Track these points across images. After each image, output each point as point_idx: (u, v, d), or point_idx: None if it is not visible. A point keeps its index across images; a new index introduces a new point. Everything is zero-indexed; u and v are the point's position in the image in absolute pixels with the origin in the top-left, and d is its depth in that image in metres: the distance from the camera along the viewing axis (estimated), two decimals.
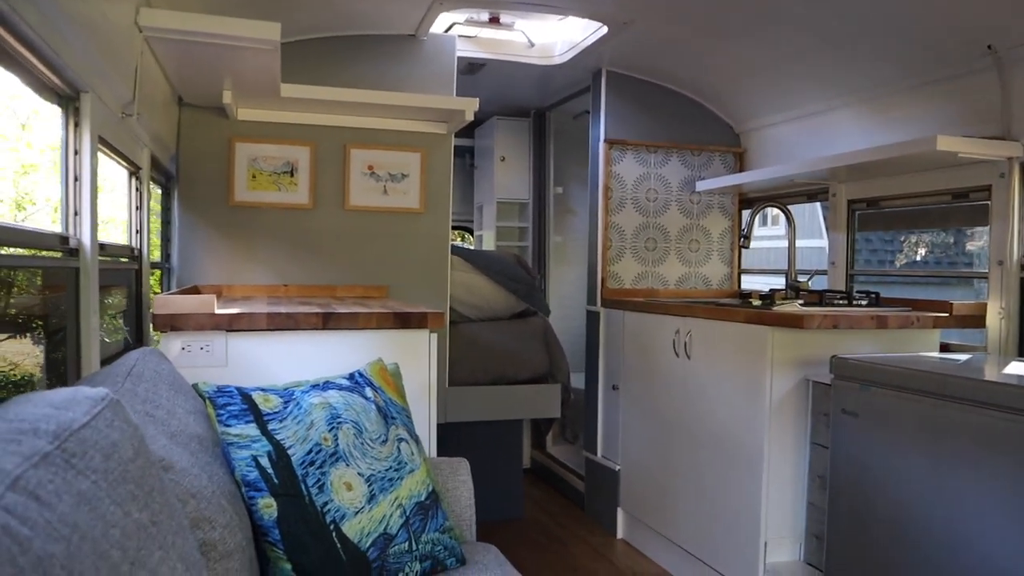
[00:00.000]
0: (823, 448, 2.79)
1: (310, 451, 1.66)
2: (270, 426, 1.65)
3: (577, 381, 4.56)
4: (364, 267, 3.64)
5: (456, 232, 6.32)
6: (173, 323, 2.29)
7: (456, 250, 3.86)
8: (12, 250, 1.79)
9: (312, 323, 2.39)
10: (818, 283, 3.88)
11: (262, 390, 1.74)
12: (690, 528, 3.33)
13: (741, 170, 4.26)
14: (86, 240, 2.03)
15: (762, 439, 2.89)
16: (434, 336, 2.54)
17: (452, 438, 3.87)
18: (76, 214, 2.02)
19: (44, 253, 1.89)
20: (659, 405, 3.59)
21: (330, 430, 1.72)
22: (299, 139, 3.52)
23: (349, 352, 2.44)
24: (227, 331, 2.34)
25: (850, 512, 2.57)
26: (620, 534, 3.95)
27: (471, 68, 4.22)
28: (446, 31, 3.82)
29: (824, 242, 3.77)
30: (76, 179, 2.01)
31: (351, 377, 1.96)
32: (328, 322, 2.40)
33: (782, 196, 4.04)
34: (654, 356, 3.62)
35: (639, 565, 3.59)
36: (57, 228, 2.00)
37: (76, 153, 2.00)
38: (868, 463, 2.49)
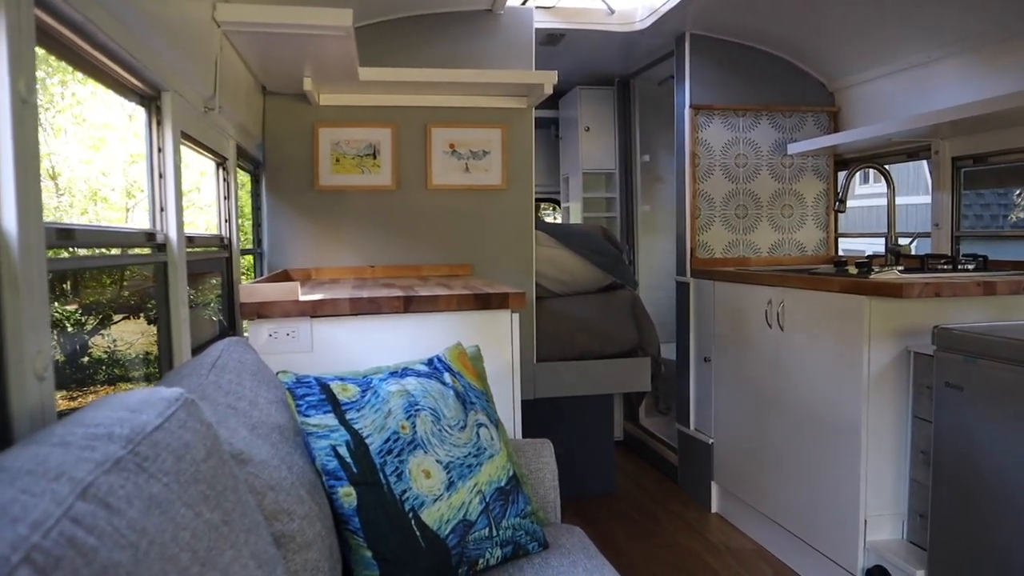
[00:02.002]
0: (926, 422, 2.65)
1: (388, 439, 1.68)
2: (348, 415, 1.67)
3: (668, 352, 4.49)
4: (448, 246, 3.66)
5: (546, 203, 6.29)
6: (260, 311, 2.35)
7: (540, 225, 3.83)
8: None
9: (394, 307, 2.42)
10: (922, 246, 3.67)
11: (340, 379, 1.77)
12: (786, 504, 3.24)
13: (836, 130, 4.06)
14: (172, 235, 2.10)
15: (859, 413, 2.77)
16: (516, 316, 2.53)
17: (542, 413, 3.89)
18: (162, 210, 2.09)
19: (135, 250, 1.97)
20: (752, 377, 3.49)
21: (408, 418, 1.73)
22: (380, 121, 3.55)
23: (431, 334, 2.47)
24: (312, 317, 2.40)
25: (955, 490, 2.44)
26: (714, 508, 3.89)
27: (551, 39, 4.14)
28: (523, 3, 3.76)
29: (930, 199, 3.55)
30: (161, 176, 2.07)
31: (430, 363, 1.97)
32: (409, 306, 2.43)
33: (880, 156, 3.83)
34: (746, 327, 3.52)
35: (734, 540, 3.53)
36: (147, 224, 2.08)
37: (160, 151, 2.06)
38: (974, 439, 2.35)
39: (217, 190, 2.94)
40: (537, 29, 3.89)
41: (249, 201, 3.69)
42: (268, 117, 3.48)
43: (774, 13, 3.65)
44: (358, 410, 1.70)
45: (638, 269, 5.10)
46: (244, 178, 3.88)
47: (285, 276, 3.46)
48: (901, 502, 2.81)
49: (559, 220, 5.68)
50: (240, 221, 5.07)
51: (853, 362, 2.80)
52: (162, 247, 2.08)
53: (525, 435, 3.84)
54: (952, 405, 2.44)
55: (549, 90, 3.36)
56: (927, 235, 3.61)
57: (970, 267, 3.04)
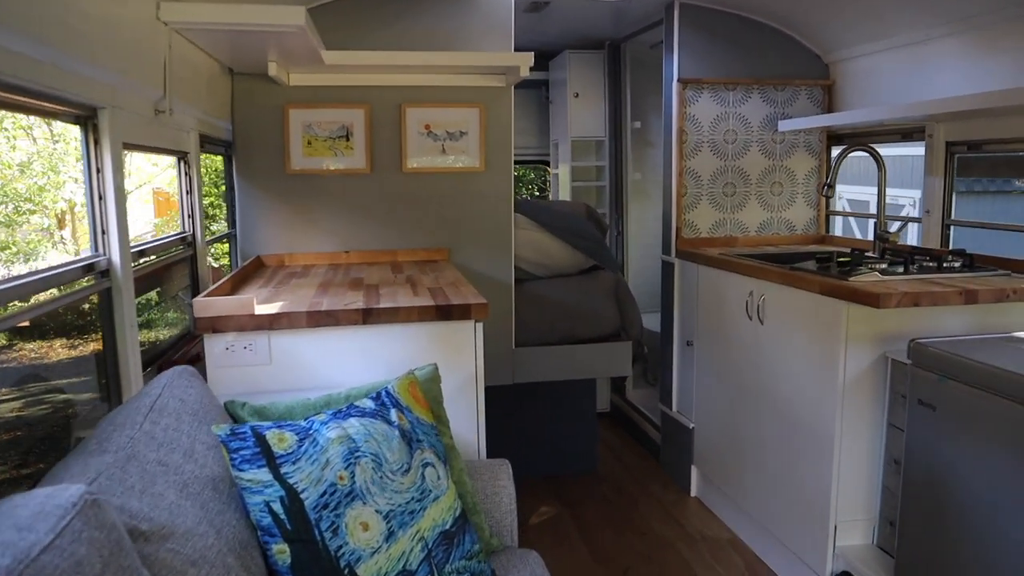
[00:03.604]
0: (900, 431, 2.60)
1: (324, 493, 1.63)
2: (283, 469, 1.63)
3: (657, 324, 4.42)
4: (425, 230, 3.58)
5: (538, 165, 6.16)
6: (214, 326, 2.30)
7: (520, 207, 3.72)
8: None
9: (352, 320, 2.36)
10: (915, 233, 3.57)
11: (279, 427, 1.72)
12: (761, 498, 3.23)
13: (830, 104, 3.90)
14: (116, 257, 2.03)
15: (833, 418, 2.72)
16: (479, 326, 2.46)
17: (523, 391, 3.86)
18: (104, 232, 2.01)
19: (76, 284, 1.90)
20: (731, 367, 3.44)
21: (347, 467, 1.69)
22: (353, 102, 3.43)
23: (391, 346, 2.41)
24: (269, 330, 2.34)
25: (923, 506, 2.41)
26: (694, 491, 3.88)
27: (535, 6, 3.97)
28: None
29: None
30: (101, 197, 2.00)
31: (377, 397, 1.91)
32: (368, 318, 2.36)
33: (875, 134, 3.69)
34: (727, 315, 3.45)
35: (710, 528, 3.53)
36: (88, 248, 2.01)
37: (99, 171, 1.98)
38: (944, 460, 2.31)
39: (179, 185, 2.86)
40: None
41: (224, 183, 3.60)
42: (236, 99, 3.36)
43: None
44: (294, 462, 1.65)
45: (627, 239, 5.00)
46: (218, 160, 3.79)
47: (258, 263, 3.40)
48: (873, 507, 2.78)
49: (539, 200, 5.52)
50: (218, 202, 4.99)
51: (829, 366, 2.74)
52: (105, 272, 2.02)
53: (505, 415, 3.86)
54: (924, 423, 2.39)
55: (526, 72, 3.23)
56: (918, 220, 3.51)
57: (956, 264, 2.95)
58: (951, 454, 2.28)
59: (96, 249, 2.01)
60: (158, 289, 2.94)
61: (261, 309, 2.36)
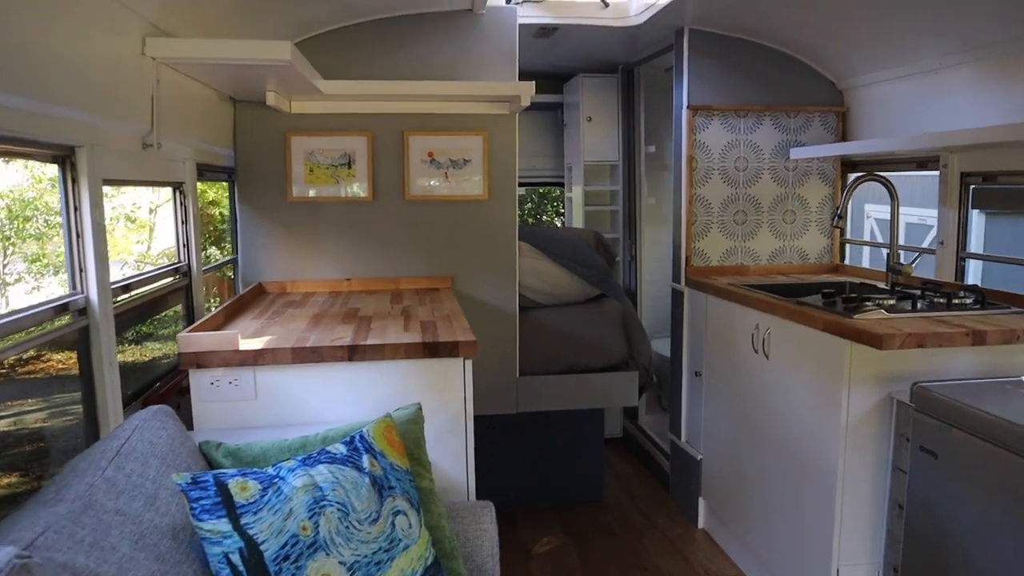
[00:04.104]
0: (905, 474, 2.50)
1: (285, 544, 1.60)
2: (243, 520, 1.60)
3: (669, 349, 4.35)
4: (428, 258, 3.55)
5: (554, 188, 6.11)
6: (198, 361, 2.28)
7: (524, 235, 3.68)
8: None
9: (338, 356, 2.33)
10: (927, 265, 3.46)
11: (243, 475, 1.69)
12: (765, 536, 3.14)
13: (844, 131, 3.81)
14: (94, 295, 2.02)
15: (836, 460, 2.64)
16: (468, 363, 2.42)
17: (529, 418, 3.81)
18: (82, 271, 2.01)
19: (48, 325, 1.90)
20: (738, 400, 3.36)
21: (311, 517, 1.65)
22: (355, 129, 3.42)
23: (379, 383, 2.38)
24: (254, 365, 2.32)
25: (926, 555, 2.31)
26: (701, 523, 3.79)
27: (544, 31, 3.93)
28: (507, 1, 3.55)
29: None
30: (79, 236, 1.99)
31: (350, 442, 1.88)
32: (354, 355, 2.34)
33: (888, 163, 3.60)
34: (734, 347, 3.37)
35: (715, 564, 3.44)
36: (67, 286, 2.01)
37: (76, 209, 1.98)
38: (945, 509, 2.21)
39: (174, 215, 2.86)
40: (527, 24, 3.71)
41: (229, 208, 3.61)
42: (239, 126, 3.37)
43: (780, 8, 3.39)
44: (255, 512, 1.62)
45: (641, 264, 4.93)
46: (222, 187, 3.81)
47: (259, 290, 3.40)
48: (877, 552, 2.69)
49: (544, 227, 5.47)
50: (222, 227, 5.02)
51: (832, 405, 2.65)
52: (83, 311, 2.01)
53: (510, 442, 3.81)
54: (926, 470, 2.30)
55: (527, 102, 3.19)
56: (932, 252, 3.40)
57: (968, 301, 2.84)
58: (953, 503, 2.19)
59: (74, 287, 2.01)
60: (155, 318, 2.95)
61: (246, 344, 2.34)
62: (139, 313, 2.72)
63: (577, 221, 5.05)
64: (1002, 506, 2.01)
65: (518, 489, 4.02)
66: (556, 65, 4.82)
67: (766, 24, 3.60)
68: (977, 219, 6.96)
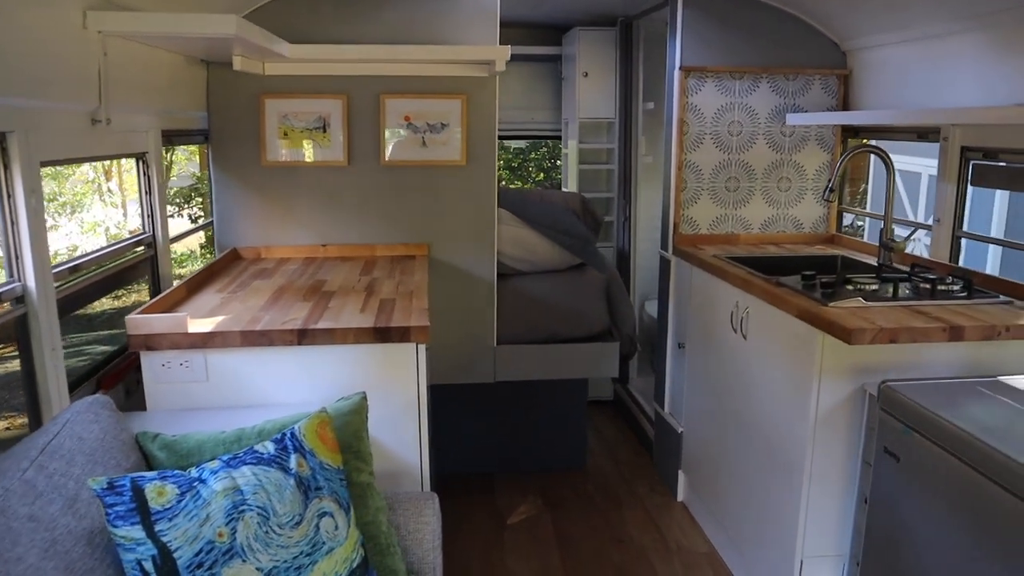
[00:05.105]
0: (871, 467, 2.44)
1: (200, 551, 1.58)
2: (157, 527, 1.58)
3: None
4: (405, 224, 3.47)
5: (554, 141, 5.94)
6: (148, 343, 2.26)
7: (504, 201, 3.58)
8: None
9: (287, 340, 2.29)
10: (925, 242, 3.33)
11: (162, 478, 1.66)
12: (737, 517, 3.11)
13: (846, 95, 3.64)
14: (31, 283, 1.98)
15: (804, 452, 2.57)
16: (422, 348, 2.37)
17: (511, 386, 3.78)
18: (18, 257, 1.97)
19: None
20: (717, 377, 3.29)
21: (228, 523, 1.63)
22: (330, 91, 3.32)
23: (329, 367, 2.35)
24: (204, 348, 2.29)
25: (884, 556, 2.27)
26: (680, 496, 3.77)
27: None
28: None
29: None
30: (13, 223, 1.94)
31: (280, 440, 1.84)
32: (303, 339, 2.29)
33: (888, 131, 3.44)
34: (714, 324, 3.29)
35: (688, 539, 3.42)
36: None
37: (9, 196, 1.93)
38: (905, 513, 2.16)
39: (138, 186, 2.80)
40: None
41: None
42: (212, 88, 3.28)
43: None
44: (171, 519, 1.60)
45: (636, 224, 4.81)
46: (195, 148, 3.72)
47: (234, 256, 3.36)
48: (843, 545, 2.64)
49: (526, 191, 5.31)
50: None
51: (802, 395, 2.58)
52: (20, 299, 1.97)
53: (492, 409, 3.78)
54: (888, 472, 2.23)
55: (502, 67, 3.07)
56: (929, 227, 3.26)
57: (955, 287, 2.72)
58: (911, 508, 2.13)
59: (11, 275, 1.97)
60: (118, 292, 2.92)
61: (195, 327, 2.30)
62: (103, 287, 2.69)
63: (571, 179, 4.92)
64: (958, 518, 1.94)
65: (499, 456, 4.01)
66: (553, 16, 4.64)
67: None
68: (1000, 197, 6.68)
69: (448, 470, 3.93)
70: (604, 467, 4.13)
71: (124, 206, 10.62)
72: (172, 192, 9.28)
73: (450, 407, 3.83)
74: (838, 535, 2.64)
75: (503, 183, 8.46)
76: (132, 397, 2.54)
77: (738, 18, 3.56)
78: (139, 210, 2.84)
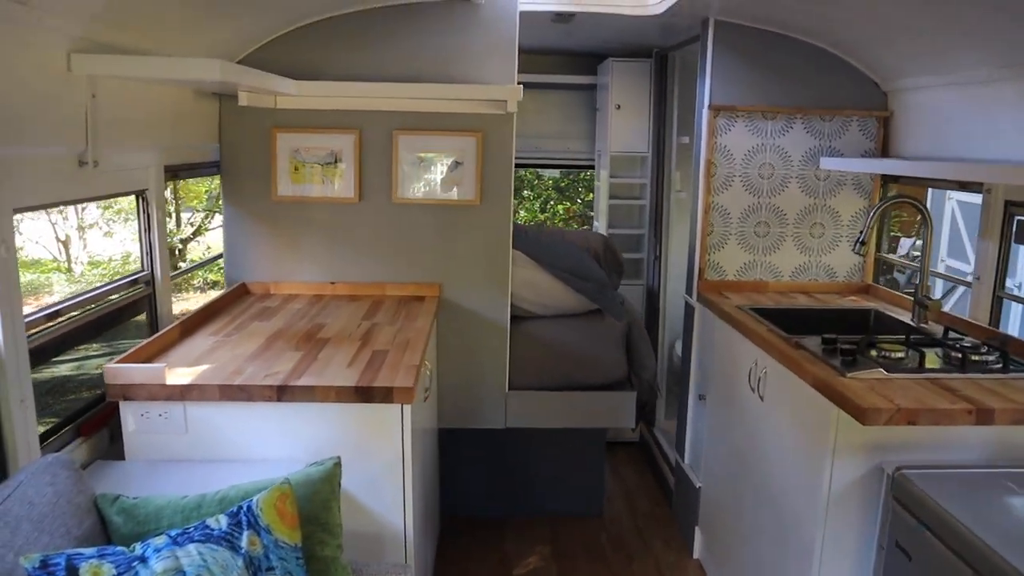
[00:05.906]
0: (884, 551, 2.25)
1: None
2: None
3: None
4: (416, 263, 3.38)
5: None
6: (125, 394, 2.21)
7: (520, 242, 3.45)
8: None
9: (266, 396, 2.22)
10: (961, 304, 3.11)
11: (100, 556, 1.58)
12: None
13: (885, 138, 3.43)
14: None
15: (815, 533, 2.39)
16: (407, 409, 2.27)
17: (527, 429, 3.64)
18: None
19: None
20: (735, 436, 3.12)
21: None
22: (342, 127, 3.25)
23: (309, 424, 2.27)
24: (182, 400, 2.23)
25: None
26: (696, 554, 3.59)
27: (560, 18, 3.64)
28: None
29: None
30: None
31: (234, 515, 1.76)
32: (283, 395, 2.21)
33: (929, 180, 3.22)
34: (735, 380, 3.12)
35: None
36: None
37: None
38: None
39: (138, 223, 2.77)
40: (542, 12, 3.44)
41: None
42: (224, 121, 3.24)
43: None
44: None
45: (667, 262, 4.64)
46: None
47: (242, 291, 3.31)
48: None
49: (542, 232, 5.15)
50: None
51: (815, 472, 2.39)
52: None
53: (505, 450, 3.66)
54: (898, 568, 2.05)
55: (513, 108, 2.97)
56: (968, 284, 3.04)
57: (990, 358, 2.51)
58: None
59: None
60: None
61: (174, 378, 2.24)
62: (97, 326, 2.65)
63: (602, 214, 4.78)
64: None
65: (511, 500, 3.88)
66: (587, 45, 4.51)
67: (803, 16, 3.22)
68: None
69: (457, 513, 3.82)
70: (620, 515, 3.97)
71: (177, 213, 10.82)
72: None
73: (460, 448, 3.72)
74: None
75: (546, 204, 8.34)
76: (117, 443, 2.49)
77: (772, 55, 3.39)
78: (139, 248, 2.80)
